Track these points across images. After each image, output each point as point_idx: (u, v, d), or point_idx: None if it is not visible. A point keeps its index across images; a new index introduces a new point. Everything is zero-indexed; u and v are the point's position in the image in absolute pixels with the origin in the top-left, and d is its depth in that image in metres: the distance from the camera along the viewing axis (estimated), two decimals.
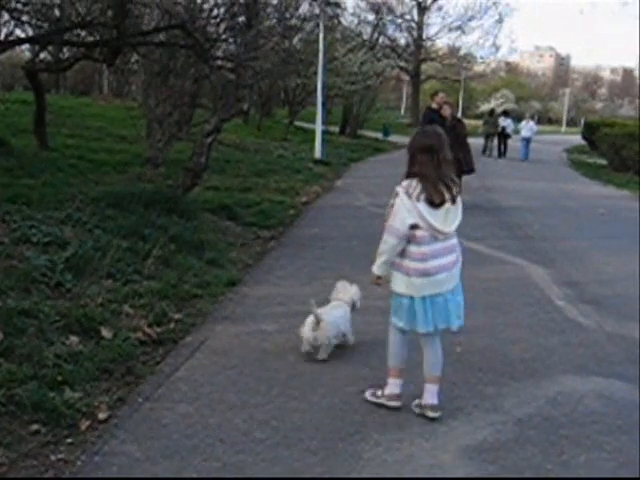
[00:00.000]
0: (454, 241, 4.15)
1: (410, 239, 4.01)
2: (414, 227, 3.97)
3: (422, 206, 3.94)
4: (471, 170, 12.93)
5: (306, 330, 4.98)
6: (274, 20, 13.95)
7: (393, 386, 4.30)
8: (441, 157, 4.02)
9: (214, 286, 6.67)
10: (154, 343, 5.19)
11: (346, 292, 5.46)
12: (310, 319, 4.98)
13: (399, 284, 4.12)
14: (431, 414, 4.13)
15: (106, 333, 5.09)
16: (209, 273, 7.06)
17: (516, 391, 4.65)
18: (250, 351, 5.14)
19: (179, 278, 6.64)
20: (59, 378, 4.25)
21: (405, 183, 4.02)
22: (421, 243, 4.01)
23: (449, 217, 4.03)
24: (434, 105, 12.66)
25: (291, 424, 4.01)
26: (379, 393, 4.35)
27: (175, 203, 8.92)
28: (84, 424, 3.86)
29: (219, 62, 10.79)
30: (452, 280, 4.09)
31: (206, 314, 5.95)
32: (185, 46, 10.71)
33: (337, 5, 25.06)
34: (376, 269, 4.17)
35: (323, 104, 22.03)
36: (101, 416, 3.96)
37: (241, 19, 10.75)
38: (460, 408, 4.33)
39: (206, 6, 12.08)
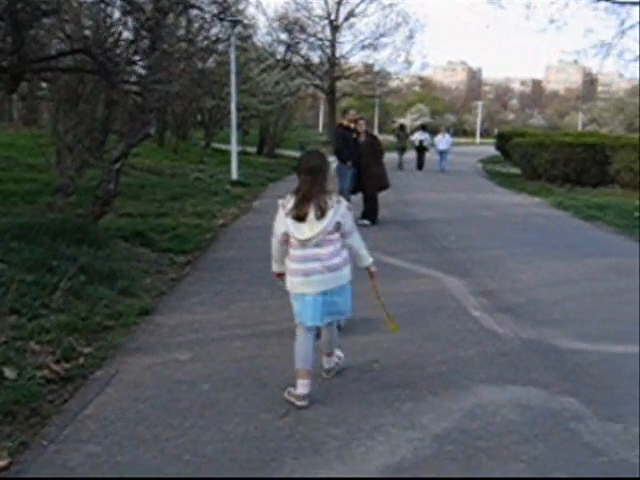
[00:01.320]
0: (323, 251, 4.61)
1: (289, 243, 4.69)
2: (287, 234, 4.65)
3: (289, 219, 4.60)
4: (387, 185, 13.09)
5: None
6: (183, 42, 13.79)
7: (301, 387, 4.62)
8: (320, 177, 4.62)
9: (126, 316, 6.44)
10: (62, 380, 4.95)
11: None
12: None
13: (287, 282, 4.79)
14: (326, 358, 5.05)
15: (9, 373, 4.83)
16: (121, 303, 6.83)
17: (433, 406, 4.62)
18: (163, 382, 4.97)
19: (89, 310, 6.38)
20: None
21: (285, 199, 4.68)
22: (294, 247, 4.67)
23: (313, 229, 4.56)
24: (345, 122, 12.75)
25: (204, 457, 3.87)
26: (292, 391, 4.64)
27: (85, 232, 8.61)
28: None
29: (126, 86, 10.56)
30: (320, 284, 4.59)
31: (118, 346, 5.73)
32: (91, 71, 10.45)
33: (245, 26, 25.02)
34: (273, 267, 4.93)
35: (239, 125, 21.93)
36: (1, 463, 3.73)
37: (146, 41, 10.54)
38: (377, 427, 4.27)
39: (114, 29, 11.86)
